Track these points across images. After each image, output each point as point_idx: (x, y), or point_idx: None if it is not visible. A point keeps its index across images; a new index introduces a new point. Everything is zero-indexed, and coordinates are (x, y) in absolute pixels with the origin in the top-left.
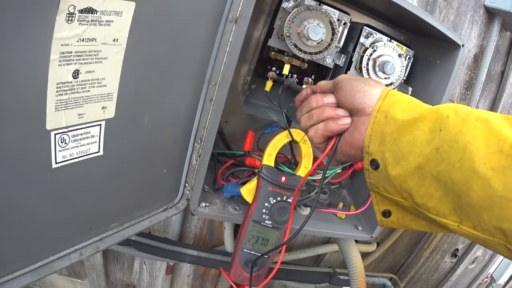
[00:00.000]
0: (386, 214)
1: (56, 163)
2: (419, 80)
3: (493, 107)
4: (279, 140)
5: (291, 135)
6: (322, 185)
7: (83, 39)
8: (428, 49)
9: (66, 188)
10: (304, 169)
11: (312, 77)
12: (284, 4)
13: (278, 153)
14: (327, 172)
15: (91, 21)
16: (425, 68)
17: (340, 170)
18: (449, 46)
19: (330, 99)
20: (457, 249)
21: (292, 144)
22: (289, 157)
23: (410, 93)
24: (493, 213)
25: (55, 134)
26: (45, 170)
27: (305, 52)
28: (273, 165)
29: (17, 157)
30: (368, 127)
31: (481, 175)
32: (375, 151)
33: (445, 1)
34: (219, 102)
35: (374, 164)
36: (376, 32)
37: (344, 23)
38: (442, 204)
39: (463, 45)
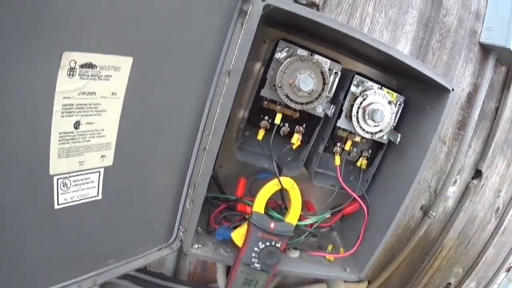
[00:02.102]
0: None
1: (58, 204)
2: (409, 125)
3: (486, 145)
4: (269, 188)
5: (280, 184)
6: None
7: (84, 92)
8: (419, 93)
9: (67, 227)
10: (292, 215)
11: (304, 126)
12: (277, 55)
13: (269, 198)
14: (316, 217)
15: (91, 75)
16: (416, 112)
17: (329, 216)
18: (440, 91)
19: None
20: (449, 283)
21: (282, 190)
22: (279, 202)
23: (399, 139)
24: None
25: (58, 179)
26: (48, 211)
27: (296, 102)
28: (263, 212)
29: (23, 198)
30: None
31: None
32: None
33: (439, 42)
34: (212, 151)
35: None
36: (367, 80)
37: (335, 72)
38: None
39: (453, 89)
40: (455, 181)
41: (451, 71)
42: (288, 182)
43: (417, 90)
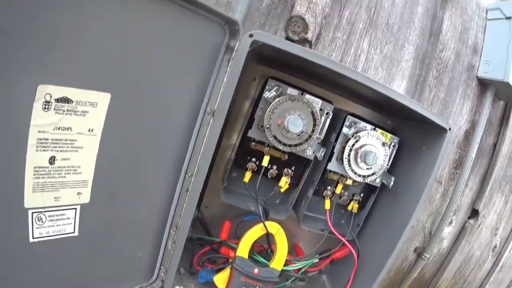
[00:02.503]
0: None
1: (33, 238)
2: (404, 167)
3: (483, 183)
4: (254, 233)
5: (266, 229)
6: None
7: (59, 127)
8: (414, 133)
9: (42, 261)
10: (278, 261)
11: (292, 168)
12: (266, 94)
13: (255, 242)
14: (304, 262)
15: (67, 110)
16: (411, 153)
17: (317, 260)
18: (436, 130)
19: None
20: None
21: (268, 234)
22: (265, 246)
23: (392, 183)
24: None
25: (32, 213)
26: (22, 244)
27: (284, 145)
28: (247, 256)
29: None
30: None
31: None
32: None
33: (435, 78)
34: (194, 193)
35: None
36: (360, 121)
37: (327, 113)
38: None
39: (450, 129)
40: (451, 222)
41: (448, 108)
42: (274, 227)
43: (412, 130)
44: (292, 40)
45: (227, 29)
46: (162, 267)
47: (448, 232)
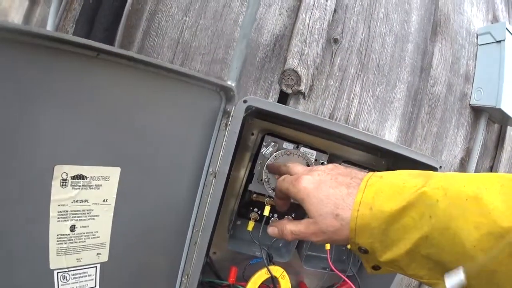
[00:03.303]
0: (376, 268)
1: None
2: None
3: None
4: (260, 277)
5: (270, 273)
6: None
7: (77, 200)
8: None
9: None
10: None
11: (292, 215)
12: (263, 150)
13: (261, 283)
14: None
15: (83, 185)
16: None
17: None
18: (428, 169)
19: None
20: None
21: (272, 275)
22: (271, 286)
23: None
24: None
25: (58, 273)
26: None
27: None
28: None
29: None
30: (350, 222)
31: (471, 256)
32: (362, 242)
33: (428, 114)
34: (202, 245)
35: (362, 250)
36: (354, 167)
37: (322, 163)
38: (433, 272)
39: (440, 167)
40: None
41: (442, 140)
42: (277, 271)
43: (407, 168)
44: (286, 93)
45: (223, 95)
46: None
47: None
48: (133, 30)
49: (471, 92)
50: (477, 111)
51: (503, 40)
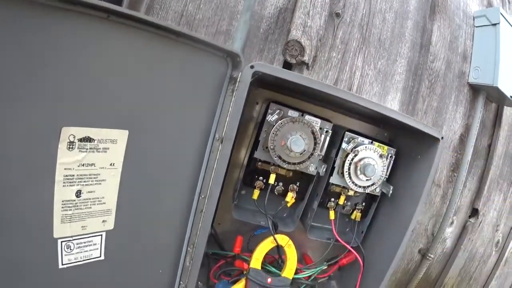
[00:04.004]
0: None
1: (62, 264)
2: (402, 175)
3: (481, 183)
4: (265, 246)
5: (276, 241)
6: None
7: (83, 164)
8: (410, 143)
9: (72, 285)
10: (289, 270)
11: (297, 184)
12: (269, 118)
13: (266, 253)
14: (313, 270)
15: (90, 148)
16: (407, 162)
17: (325, 267)
18: (429, 140)
19: None
20: None
21: (278, 245)
22: (276, 257)
23: (391, 191)
24: None
25: (62, 242)
26: (52, 270)
27: (288, 163)
28: (260, 268)
29: (29, 257)
30: None
31: None
32: None
33: (428, 88)
34: (208, 213)
35: None
36: (358, 136)
37: (326, 131)
38: None
39: (442, 138)
40: (452, 222)
41: (442, 115)
42: (283, 239)
43: (408, 140)
44: (290, 64)
45: (229, 61)
46: (181, 282)
47: (450, 232)
48: (136, 5)
49: (469, 71)
50: (475, 90)
51: (498, 23)
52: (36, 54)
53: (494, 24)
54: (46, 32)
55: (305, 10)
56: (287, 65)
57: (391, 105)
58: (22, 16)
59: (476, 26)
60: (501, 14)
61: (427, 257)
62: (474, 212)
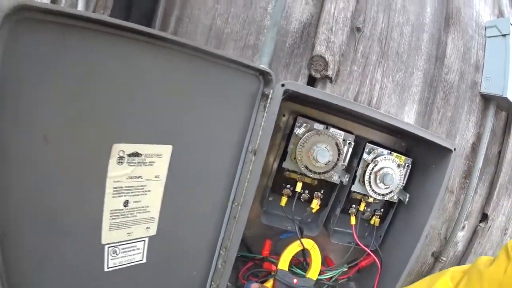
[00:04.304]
0: None
1: (108, 268)
2: (417, 183)
3: (491, 189)
4: (292, 249)
5: (302, 245)
6: None
7: (131, 176)
8: (425, 153)
9: (115, 287)
10: (313, 272)
11: (322, 192)
12: (296, 130)
13: (292, 257)
14: (334, 271)
15: (137, 162)
16: (422, 171)
17: (346, 269)
18: (443, 150)
19: None
20: None
21: (303, 248)
22: (301, 259)
23: (407, 199)
24: None
25: (108, 247)
26: (98, 273)
27: (314, 173)
28: (287, 269)
29: (79, 262)
30: None
31: None
32: None
33: (443, 99)
34: (241, 219)
35: None
36: (377, 147)
37: (349, 143)
38: None
39: (455, 149)
40: (464, 227)
41: (455, 125)
42: (309, 243)
43: (423, 150)
44: (315, 78)
45: (261, 79)
46: (212, 283)
47: (461, 236)
48: (166, 18)
49: (481, 81)
50: (486, 99)
51: (508, 34)
52: (91, 78)
53: (505, 35)
54: (100, 57)
55: (328, 26)
56: (311, 79)
57: (408, 116)
58: (81, 41)
59: (488, 37)
60: (511, 24)
61: (440, 260)
62: (484, 217)
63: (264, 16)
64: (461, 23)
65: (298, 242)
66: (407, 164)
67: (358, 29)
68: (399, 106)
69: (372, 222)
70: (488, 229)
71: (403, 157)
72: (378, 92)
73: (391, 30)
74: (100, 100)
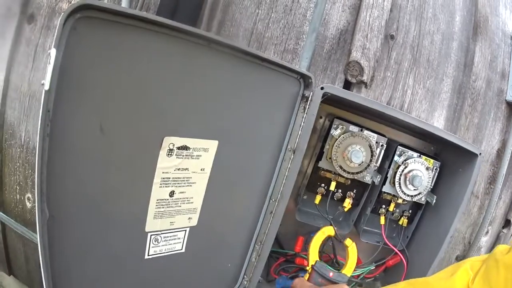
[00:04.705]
0: None
1: (148, 255)
2: (444, 186)
3: None
4: (318, 238)
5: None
6: None
7: (179, 168)
8: (453, 157)
9: (153, 274)
10: (348, 268)
11: (354, 191)
12: (333, 132)
13: (323, 253)
14: (362, 269)
15: (185, 155)
16: (450, 174)
17: (373, 268)
18: (469, 155)
19: None
20: None
21: (334, 245)
22: (331, 256)
23: (434, 201)
24: None
25: (151, 235)
26: (139, 260)
27: (348, 172)
28: (317, 258)
29: (121, 249)
30: None
31: None
32: None
33: (470, 106)
34: (277, 215)
35: None
36: (408, 150)
37: (382, 145)
38: None
39: (480, 154)
40: (487, 232)
41: (482, 131)
42: (349, 241)
43: (451, 154)
44: (350, 82)
45: (302, 82)
46: (245, 276)
47: (485, 241)
48: (210, 22)
49: (507, 89)
50: (511, 107)
51: None
52: (146, 75)
53: None
54: (156, 56)
55: (363, 33)
56: (347, 83)
57: (438, 121)
58: (138, 40)
59: None
60: None
61: None
62: (507, 223)
63: (303, 22)
64: (488, 32)
65: (322, 229)
66: (435, 167)
67: (392, 37)
68: (429, 112)
69: (400, 222)
70: (511, 236)
71: (431, 160)
72: (409, 97)
73: (422, 38)
74: (154, 96)
